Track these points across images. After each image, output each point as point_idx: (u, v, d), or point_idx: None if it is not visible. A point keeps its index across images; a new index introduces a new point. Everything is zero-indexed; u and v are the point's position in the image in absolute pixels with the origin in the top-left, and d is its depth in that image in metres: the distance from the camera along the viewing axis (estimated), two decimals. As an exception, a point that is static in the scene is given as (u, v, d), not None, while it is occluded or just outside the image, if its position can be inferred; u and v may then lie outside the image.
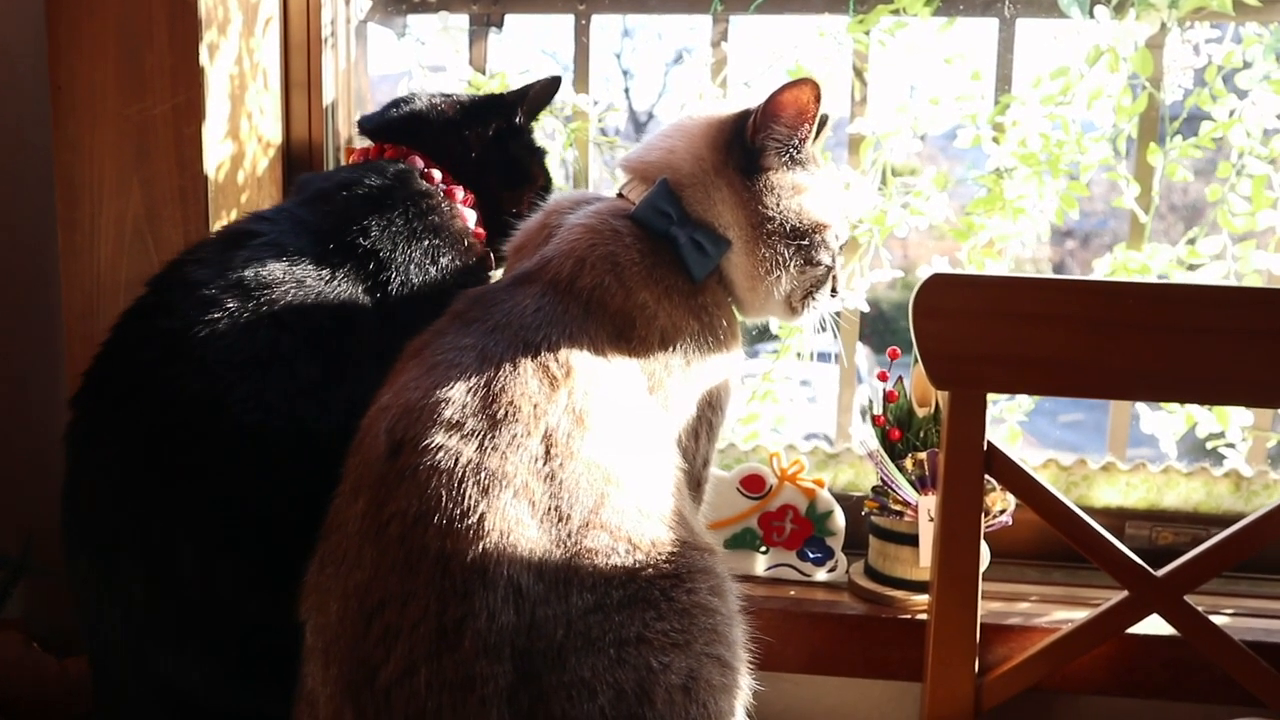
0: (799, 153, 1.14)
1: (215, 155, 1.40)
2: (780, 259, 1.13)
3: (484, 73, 1.64)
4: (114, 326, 1.11)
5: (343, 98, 1.60)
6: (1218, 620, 1.18)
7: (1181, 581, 1.17)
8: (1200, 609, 1.17)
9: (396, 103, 1.36)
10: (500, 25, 1.71)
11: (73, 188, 1.39)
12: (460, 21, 1.70)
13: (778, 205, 1.12)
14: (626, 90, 1.73)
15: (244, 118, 1.46)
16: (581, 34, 1.64)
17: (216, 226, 1.40)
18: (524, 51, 1.71)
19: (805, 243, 1.13)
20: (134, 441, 1.04)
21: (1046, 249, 1.56)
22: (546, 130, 1.63)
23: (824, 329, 1.25)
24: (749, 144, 1.12)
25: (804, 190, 1.14)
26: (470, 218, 1.29)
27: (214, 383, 1.03)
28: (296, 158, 1.56)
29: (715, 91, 1.57)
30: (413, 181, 1.26)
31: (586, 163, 1.64)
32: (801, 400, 1.64)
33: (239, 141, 1.45)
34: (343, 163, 1.53)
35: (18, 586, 1.47)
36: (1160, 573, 1.17)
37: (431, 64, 1.65)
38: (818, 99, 1.11)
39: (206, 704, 1.05)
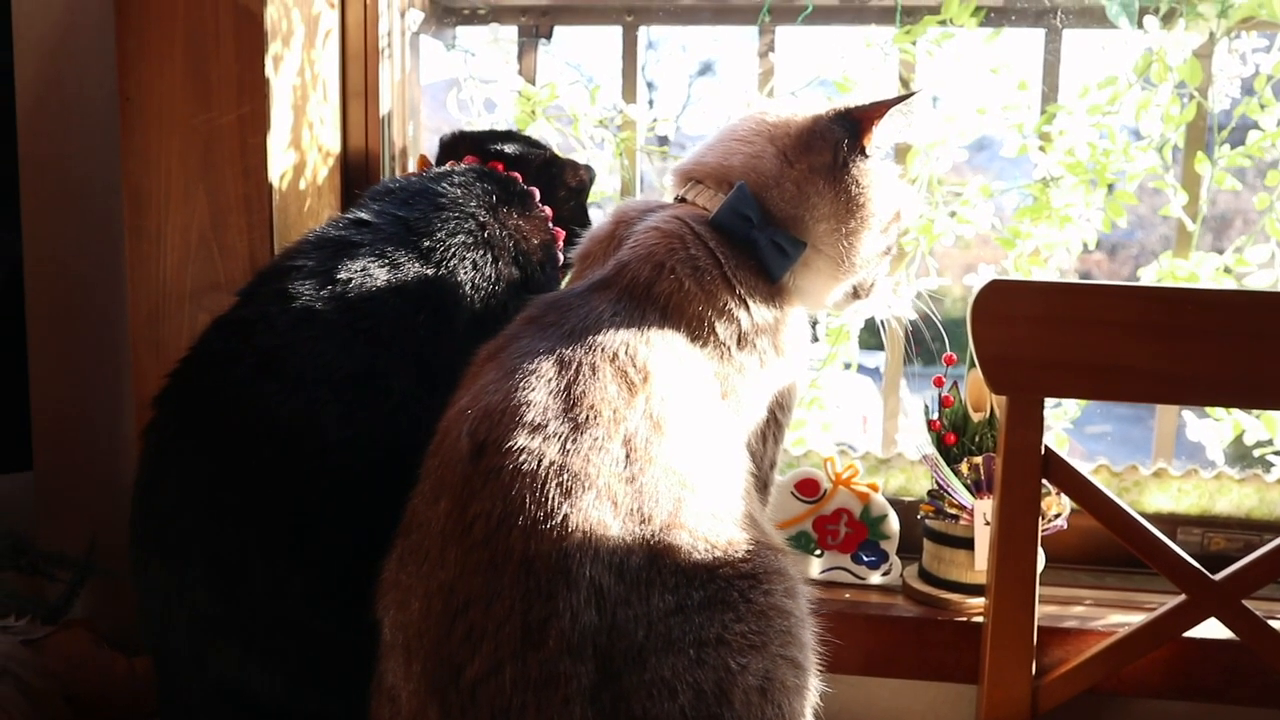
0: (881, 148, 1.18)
1: (279, 164, 1.43)
2: (872, 248, 1.17)
3: (534, 83, 1.66)
4: (208, 330, 1.12)
5: (398, 108, 1.62)
6: (1276, 625, 1.19)
7: (1240, 586, 1.18)
8: (1259, 614, 1.18)
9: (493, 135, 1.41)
10: (549, 36, 1.73)
11: (140, 196, 1.42)
12: (510, 33, 1.73)
13: (874, 198, 1.15)
14: (650, 103, 1.74)
15: (305, 127, 1.48)
16: (630, 44, 1.66)
17: (280, 236, 1.42)
18: (572, 62, 1.73)
19: (887, 231, 1.18)
20: (220, 452, 1.05)
21: (1073, 260, 1.57)
22: (596, 139, 1.65)
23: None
24: (861, 144, 1.15)
25: (887, 180, 1.17)
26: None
27: (308, 404, 1.05)
28: (354, 167, 1.58)
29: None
30: (519, 186, 1.31)
31: (635, 171, 1.66)
32: (834, 408, 1.65)
33: (300, 151, 1.47)
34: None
35: (84, 586, 1.49)
36: (1219, 577, 1.18)
37: (481, 75, 1.67)
38: None
39: (269, 709, 1.06)
